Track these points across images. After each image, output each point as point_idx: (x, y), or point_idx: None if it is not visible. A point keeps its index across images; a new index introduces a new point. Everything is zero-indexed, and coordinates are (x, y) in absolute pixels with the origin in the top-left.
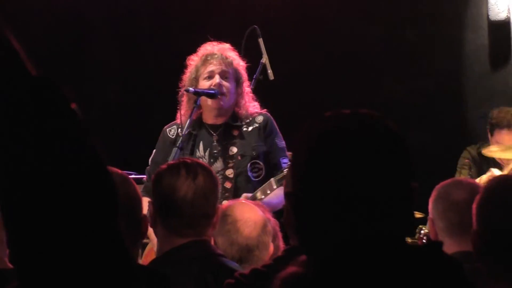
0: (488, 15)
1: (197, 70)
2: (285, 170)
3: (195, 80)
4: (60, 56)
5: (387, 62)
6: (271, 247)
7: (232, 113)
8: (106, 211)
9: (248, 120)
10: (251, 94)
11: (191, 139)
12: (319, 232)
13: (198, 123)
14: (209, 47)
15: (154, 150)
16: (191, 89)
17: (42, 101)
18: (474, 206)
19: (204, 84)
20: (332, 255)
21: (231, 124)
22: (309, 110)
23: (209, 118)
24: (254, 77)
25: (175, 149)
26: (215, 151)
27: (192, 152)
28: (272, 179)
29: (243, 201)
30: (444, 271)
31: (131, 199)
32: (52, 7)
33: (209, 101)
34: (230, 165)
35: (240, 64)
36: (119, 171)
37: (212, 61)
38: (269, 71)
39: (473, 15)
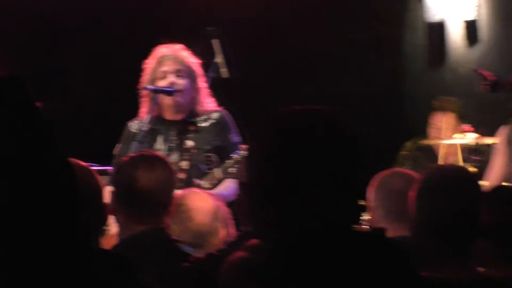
0: (424, 17)
1: (153, 72)
2: (229, 161)
3: (152, 81)
4: (27, 56)
5: (333, 62)
6: (222, 233)
7: (190, 110)
8: (68, 201)
9: (205, 116)
10: (207, 91)
11: (151, 134)
12: (272, 219)
13: (158, 119)
14: (163, 49)
15: (119, 144)
16: (149, 87)
17: (7, 100)
18: (412, 194)
19: (160, 84)
20: (284, 241)
21: (188, 120)
22: (269, 106)
23: (168, 114)
24: (209, 75)
25: (134, 143)
26: (172, 145)
27: (152, 145)
28: (216, 170)
29: (195, 190)
30: (389, 255)
31: (93, 189)
32: (19, 7)
33: (166, 99)
34: (185, 157)
35: (193, 61)
36: (83, 163)
37: (166, 62)
38: (222, 70)
39: (410, 17)
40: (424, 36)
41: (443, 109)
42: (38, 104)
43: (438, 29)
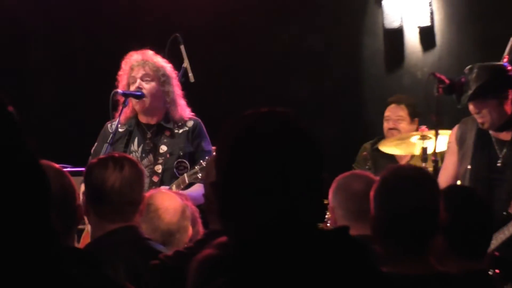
0: (383, 24)
1: (127, 77)
2: (197, 167)
3: (127, 86)
4: None
5: (296, 65)
6: (190, 231)
7: (165, 115)
8: (38, 202)
9: (180, 123)
10: (180, 94)
11: (127, 135)
12: (239, 217)
13: (135, 122)
14: (134, 55)
15: (96, 143)
16: (119, 91)
17: None
18: (371, 194)
19: (132, 89)
20: (250, 238)
21: (163, 125)
22: (229, 108)
23: (142, 118)
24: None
25: (105, 145)
26: (147, 148)
27: (127, 146)
28: (185, 174)
29: (164, 190)
30: (351, 252)
31: (65, 190)
32: None
33: (134, 102)
34: (159, 161)
35: (163, 65)
36: (55, 164)
37: (135, 68)
38: (190, 74)
39: (370, 24)
40: (382, 41)
41: (397, 101)
42: (10, 108)
43: (396, 35)
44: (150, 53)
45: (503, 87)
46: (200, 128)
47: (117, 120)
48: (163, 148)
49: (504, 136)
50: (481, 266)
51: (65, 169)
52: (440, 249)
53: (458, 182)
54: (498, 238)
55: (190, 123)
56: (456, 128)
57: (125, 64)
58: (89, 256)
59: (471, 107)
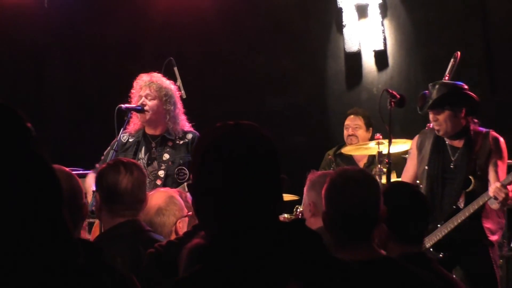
0: (344, 48)
1: (137, 96)
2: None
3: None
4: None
5: (269, 83)
6: (181, 223)
7: (167, 128)
8: (52, 202)
9: (181, 135)
10: (181, 110)
11: (135, 144)
12: (210, 213)
13: (142, 133)
14: (143, 77)
15: (109, 148)
16: (122, 106)
17: (3, 122)
18: (323, 192)
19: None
20: (220, 230)
21: (166, 137)
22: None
23: (148, 129)
24: None
25: (111, 152)
26: (152, 156)
27: (135, 154)
28: (185, 184)
29: (159, 189)
30: (307, 240)
31: (74, 190)
32: (8, 35)
33: (138, 116)
34: (163, 167)
35: (167, 86)
36: (66, 168)
37: (143, 88)
38: (182, 91)
39: (333, 48)
40: (344, 63)
41: (355, 113)
42: (28, 124)
43: (355, 57)
44: (157, 75)
45: (459, 101)
46: None
47: (121, 131)
48: (166, 156)
49: (457, 143)
50: (418, 249)
51: (73, 172)
52: (383, 237)
53: (418, 181)
54: (448, 227)
55: (189, 136)
56: (416, 137)
57: (136, 84)
58: (92, 246)
59: (430, 115)
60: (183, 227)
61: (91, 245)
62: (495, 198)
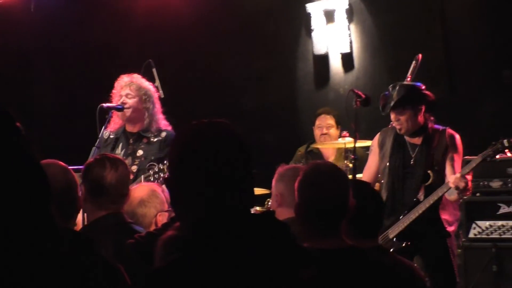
0: (312, 51)
1: (118, 95)
2: (151, 171)
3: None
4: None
5: (242, 84)
6: (160, 216)
7: (145, 126)
8: (40, 196)
9: (156, 133)
10: (159, 109)
11: (114, 141)
12: (186, 207)
13: (122, 130)
14: (124, 78)
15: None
16: (104, 105)
17: None
18: (295, 185)
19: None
20: (196, 222)
21: (142, 134)
22: (190, 117)
23: (128, 126)
24: None
25: (94, 148)
26: (128, 152)
27: (113, 149)
28: (142, 176)
29: (141, 184)
30: (275, 231)
31: (69, 184)
32: None
33: (119, 114)
34: (136, 163)
35: (146, 86)
36: (61, 163)
37: (123, 87)
38: (160, 91)
39: (302, 51)
40: (312, 65)
41: (326, 112)
42: (17, 124)
43: (323, 59)
44: (136, 76)
45: (418, 101)
46: (171, 138)
47: (103, 128)
48: (140, 153)
49: (416, 140)
50: (374, 243)
51: (69, 167)
52: (348, 228)
53: (379, 177)
54: (409, 218)
55: (163, 134)
56: (378, 135)
57: (117, 84)
58: (81, 236)
59: (392, 115)
60: (162, 220)
61: (82, 236)
62: (456, 188)
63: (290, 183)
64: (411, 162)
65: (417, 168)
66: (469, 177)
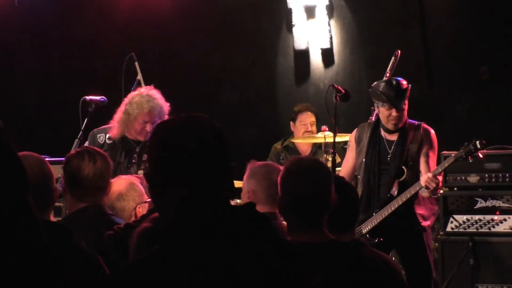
0: (293, 46)
1: (134, 117)
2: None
3: (129, 120)
4: None
5: (224, 79)
6: (132, 205)
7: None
8: (17, 188)
9: None
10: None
11: (115, 147)
12: (165, 200)
13: (123, 139)
14: (150, 104)
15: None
16: (87, 98)
17: None
18: (278, 180)
19: (135, 126)
20: (175, 215)
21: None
22: (171, 112)
23: (132, 136)
24: (131, 89)
25: (76, 140)
26: (133, 160)
27: (115, 158)
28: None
29: (121, 177)
30: (256, 223)
31: (45, 175)
32: None
33: (135, 132)
34: (142, 167)
35: (165, 108)
36: (37, 155)
37: (150, 113)
38: (142, 85)
39: (283, 46)
40: (293, 60)
41: (310, 110)
42: None
43: (303, 55)
44: (158, 97)
45: (408, 97)
46: None
47: (85, 120)
48: (145, 156)
49: (393, 137)
50: (350, 237)
51: (45, 159)
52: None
53: (356, 172)
54: (382, 214)
55: None
56: (355, 131)
57: (138, 106)
58: (60, 228)
59: (389, 111)
60: (142, 212)
61: (61, 227)
62: (427, 188)
63: (262, 180)
64: (388, 158)
65: (392, 164)
66: (440, 177)
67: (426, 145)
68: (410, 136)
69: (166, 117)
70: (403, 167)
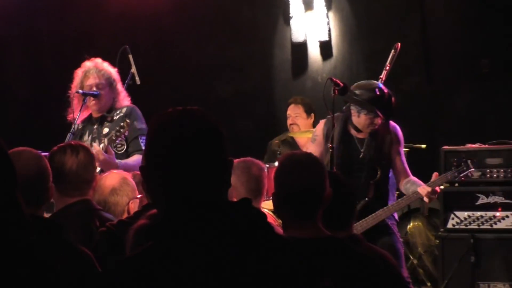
0: (291, 38)
1: (80, 82)
2: (112, 132)
3: (80, 88)
4: None
5: (219, 71)
6: (132, 203)
7: (109, 108)
8: (5, 182)
9: (118, 111)
10: (124, 92)
11: (82, 129)
12: (160, 194)
13: (89, 118)
14: (87, 63)
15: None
16: (80, 91)
17: None
18: (273, 175)
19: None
20: (170, 210)
21: (105, 115)
22: (166, 105)
23: (94, 113)
24: (125, 82)
25: (69, 134)
26: (94, 136)
27: (81, 137)
28: (105, 139)
29: (112, 171)
30: (253, 219)
31: (41, 172)
32: None
33: (92, 103)
34: (103, 141)
35: (111, 71)
36: (35, 150)
37: (90, 75)
38: (136, 78)
39: (280, 38)
40: (290, 52)
41: (294, 102)
42: None
43: (301, 47)
44: (100, 61)
45: None
46: (133, 111)
47: (78, 115)
48: (105, 130)
49: (362, 135)
50: (348, 233)
51: (43, 154)
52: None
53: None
54: (375, 219)
55: (124, 109)
56: (322, 124)
57: (80, 70)
58: (49, 223)
59: (368, 118)
60: (134, 207)
61: (52, 223)
62: (429, 200)
63: (242, 175)
64: (360, 156)
65: (365, 162)
66: (438, 189)
67: (396, 143)
68: (380, 134)
69: (118, 82)
70: (376, 166)
